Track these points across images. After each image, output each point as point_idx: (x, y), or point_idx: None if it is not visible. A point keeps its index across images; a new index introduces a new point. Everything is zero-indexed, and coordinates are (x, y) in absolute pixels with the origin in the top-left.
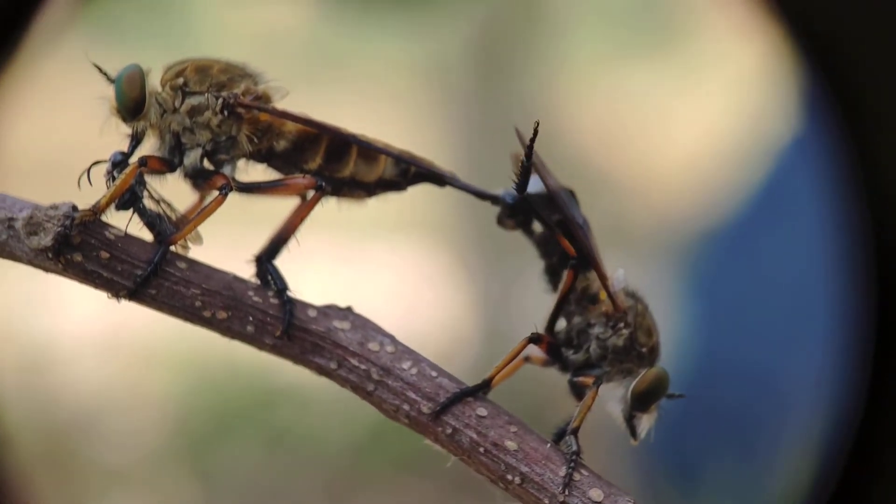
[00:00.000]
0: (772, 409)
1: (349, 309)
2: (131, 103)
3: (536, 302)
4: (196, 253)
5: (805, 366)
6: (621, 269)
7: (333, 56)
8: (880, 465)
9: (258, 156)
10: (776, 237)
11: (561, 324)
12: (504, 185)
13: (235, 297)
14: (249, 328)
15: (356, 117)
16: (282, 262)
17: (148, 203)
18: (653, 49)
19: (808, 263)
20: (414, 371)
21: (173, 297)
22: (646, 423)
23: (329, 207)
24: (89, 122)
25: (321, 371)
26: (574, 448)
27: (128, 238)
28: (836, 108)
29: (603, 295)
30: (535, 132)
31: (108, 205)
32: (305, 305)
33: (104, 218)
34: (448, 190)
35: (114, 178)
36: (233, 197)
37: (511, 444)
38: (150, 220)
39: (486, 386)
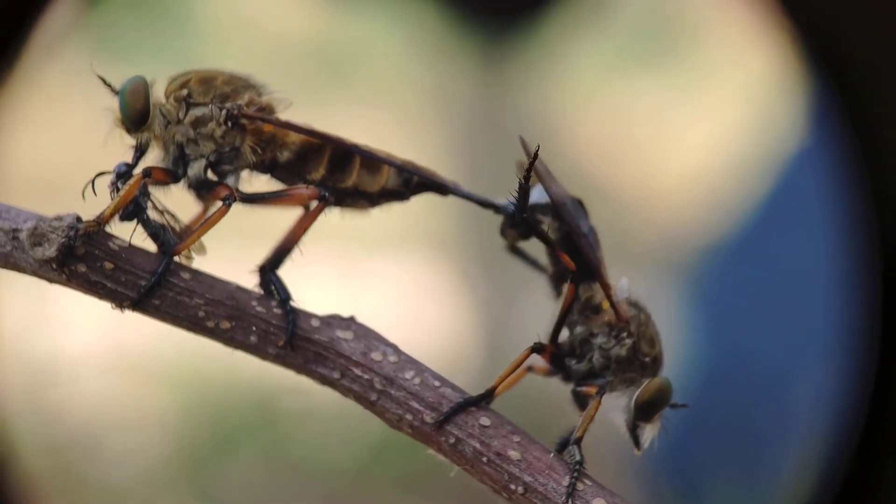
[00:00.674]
0: (776, 422)
1: (352, 319)
2: (135, 114)
3: (539, 316)
4: (199, 263)
5: (809, 379)
6: (624, 278)
7: (336, 73)
8: (884, 477)
9: (262, 166)
10: (780, 249)
11: (564, 333)
12: (506, 198)
13: (239, 307)
14: (253, 338)
15: (358, 130)
16: (285, 275)
17: (152, 214)
18: (656, 60)
19: (813, 275)
20: (417, 381)
21: (177, 307)
22: (649, 432)
23: (332, 222)
24: (90, 135)
25: (324, 381)
26: (577, 458)
27: (132, 249)
28: (844, 118)
29: (606, 305)
30: (536, 156)
31: (112, 216)
32: (308, 315)
33: (108, 229)
34: (451, 204)
35: (118, 189)
36: (236, 207)
37: (514, 454)
38: (154, 230)
39: (489, 396)
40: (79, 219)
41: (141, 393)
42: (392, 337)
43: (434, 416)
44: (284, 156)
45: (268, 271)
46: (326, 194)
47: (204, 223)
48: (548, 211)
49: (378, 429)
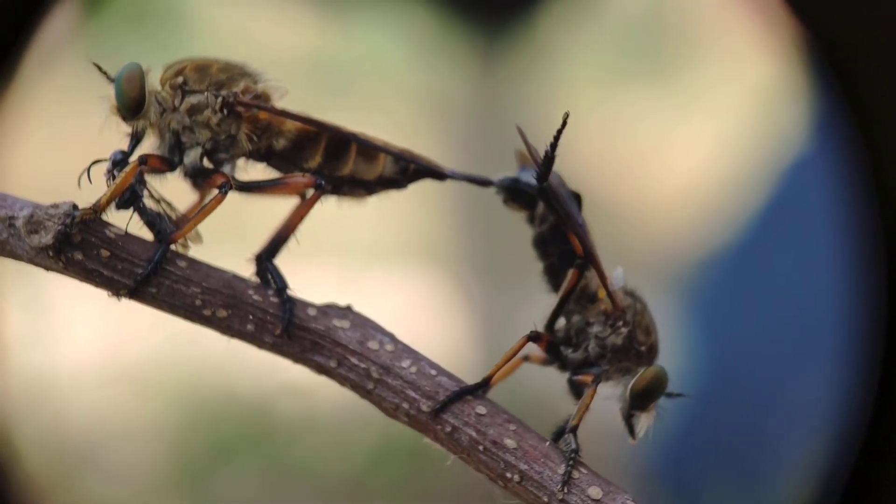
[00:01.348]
0: (776, 431)
1: (349, 308)
2: (131, 102)
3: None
4: (196, 252)
5: (809, 386)
6: (620, 268)
7: (333, 84)
8: (885, 483)
9: (258, 154)
10: (780, 260)
11: (560, 322)
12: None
13: (235, 295)
14: (249, 327)
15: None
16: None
17: (148, 202)
18: (655, 70)
19: (814, 283)
20: (413, 369)
21: (173, 295)
22: (644, 422)
23: (330, 235)
24: (89, 146)
25: (321, 370)
26: (573, 446)
27: (128, 237)
28: (849, 124)
29: (602, 294)
30: (564, 123)
31: (108, 203)
32: (305, 304)
33: (104, 217)
34: (449, 216)
35: (114, 177)
36: (231, 196)
37: (510, 442)
38: (151, 218)
39: (485, 384)
40: (75, 206)
41: (138, 404)
42: None
43: (430, 404)
44: (280, 144)
45: (264, 260)
46: (323, 182)
47: (200, 211)
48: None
49: (376, 438)
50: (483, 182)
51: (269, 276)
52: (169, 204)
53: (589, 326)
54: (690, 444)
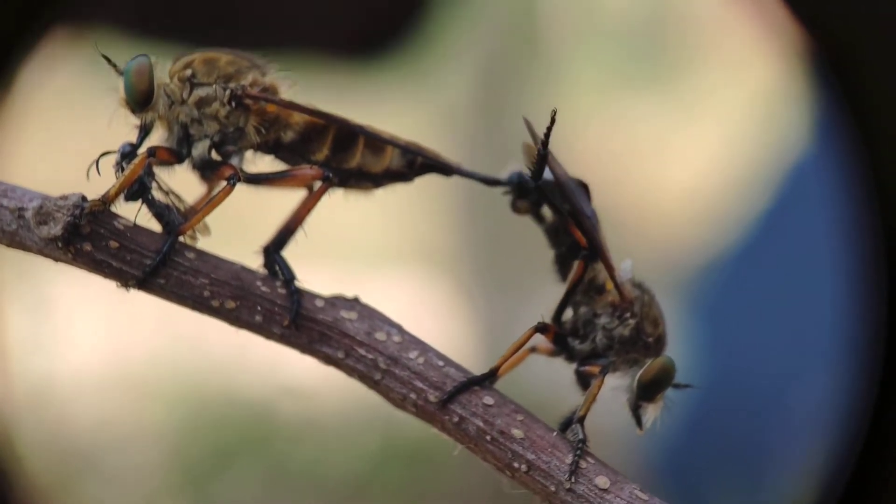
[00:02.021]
0: (778, 435)
1: (356, 299)
2: (140, 94)
3: None
4: (204, 243)
5: (811, 393)
6: (628, 259)
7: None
8: (886, 490)
9: (265, 147)
10: (782, 265)
11: (567, 314)
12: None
13: (244, 287)
14: (258, 318)
15: None
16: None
17: (156, 194)
18: (655, 77)
19: (815, 287)
20: (421, 360)
21: (182, 286)
22: (652, 413)
23: (330, 240)
24: (89, 155)
25: (328, 361)
26: (580, 436)
27: (137, 228)
28: (851, 128)
29: (609, 285)
30: (553, 120)
31: (117, 195)
32: (313, 296)
33: (113, 208)
34: (451, 221)
35: (122, 169)
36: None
37: (517, 433)
38: (159, 210)
39: (492, 375)
40: (84, 198)
41: (140, 408)
42: None
43: (438, 395)
44: (288, 136)
45: (272, 252)
46: (330, 175)
47: (208, 203)
48: (551, 191)
49: (376, 441)
50: (490, 181)
51: (277, 268)
52: (177, 196)
53: (596, 318)
54: (692, 449)
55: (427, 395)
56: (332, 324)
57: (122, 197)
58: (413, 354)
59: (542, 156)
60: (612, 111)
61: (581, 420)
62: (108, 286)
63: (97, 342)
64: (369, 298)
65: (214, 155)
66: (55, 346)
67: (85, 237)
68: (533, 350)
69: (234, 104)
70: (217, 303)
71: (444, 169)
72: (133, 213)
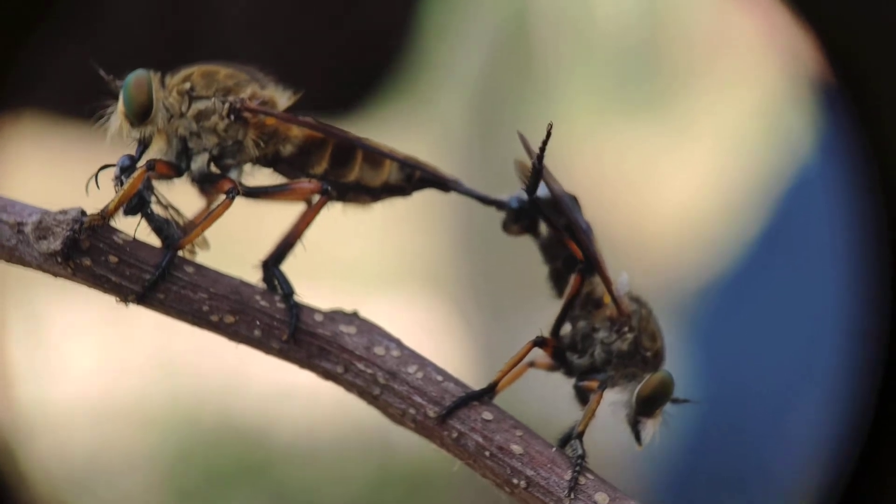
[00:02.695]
0: (774, 457)
1: (355, 313)
2: (139, 108)
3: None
4: (203, 257)
5: (808, 415)
6: (625, 273)
7: None
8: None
9: (264, 160)
10: (777, 284)
11: (565, 328)
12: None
13: (242, 301)
14: (256, 332)
15: None
16: None
17: (155, 208)
18: (650, 99)
19: (812, 308)
20: (420, 375)
21: (181, 301)
22: (650, 428)
23: (328, 261)
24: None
25: (327, 375)
26: (580, 452)
27: (136, 243)
28: (852, 146)
29: (607, 299)
30: (549, 134)
31: (116, 209)
32: (312, 310)
33: (112, 223)
34: (448, 243)
35: (121, 183)
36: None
37: (517, 448)
38: (158, 224)
39: (490, 390)
40: (83, 212)
41: (133, 438)
42: None
43: (437, 410)
44: (287, 150)
45: (271, 266)
46: (329, 188)
47: (207, 217)
48: (547, 205)
49: (373, 466)
50: (488, 200)
51: (276, 282)
52: (176, 210)
53: (594, 332)
54: (690, 466)
55: (426, 410)
56: (330, 338)
57: (121, 211)
58: (412, 369)
59: (537, 170)
60: (606, 134)
61: (580, 435)
62: (101, 313)
63: (91, 369)
64: (368, 317)
65: (213, 168)
66: (49, 373)
67: (84, 252)
68: (531, 365)
69: (232, 117)
70: (216, 317)
71: (443, 184)
72: (132, 227)
